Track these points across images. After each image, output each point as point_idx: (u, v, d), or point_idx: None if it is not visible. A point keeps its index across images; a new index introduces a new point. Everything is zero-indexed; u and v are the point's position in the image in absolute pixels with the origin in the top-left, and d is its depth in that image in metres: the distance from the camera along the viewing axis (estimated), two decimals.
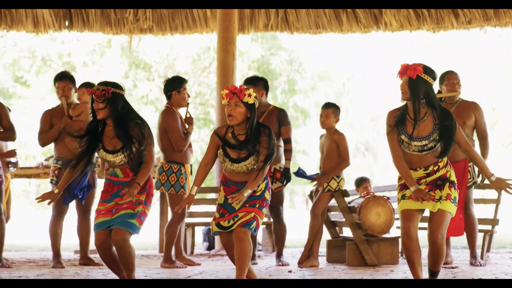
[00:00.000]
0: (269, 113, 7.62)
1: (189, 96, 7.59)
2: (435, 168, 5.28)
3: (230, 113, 5.37)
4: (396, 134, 5.30)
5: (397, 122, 5.30)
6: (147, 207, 5.55)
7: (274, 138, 5.46)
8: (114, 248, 5.52)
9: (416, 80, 5.21)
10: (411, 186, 5.23)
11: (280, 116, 7.62)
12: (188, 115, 7.57)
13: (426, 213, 5.45)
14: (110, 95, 5.46)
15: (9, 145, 8.08)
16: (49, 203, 5.74)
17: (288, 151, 7.56)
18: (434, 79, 5.28)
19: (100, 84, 5.53)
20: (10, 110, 7.80)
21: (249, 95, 5.36)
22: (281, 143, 7.62)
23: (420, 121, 5.25)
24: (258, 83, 7.65)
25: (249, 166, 5.40)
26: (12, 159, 8.00)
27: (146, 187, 5.56)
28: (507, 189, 5.31)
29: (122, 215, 5.45)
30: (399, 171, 5.32)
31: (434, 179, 5.28)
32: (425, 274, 5.47)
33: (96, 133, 5.54)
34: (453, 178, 5.31)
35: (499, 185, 5.33)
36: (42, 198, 5.65)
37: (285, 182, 7.57)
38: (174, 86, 7.50)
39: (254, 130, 5.40)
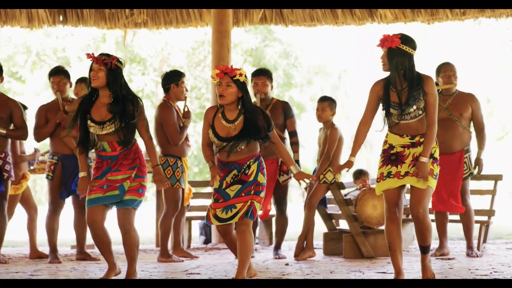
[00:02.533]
0: (274, 106, 7.63)
1: (187, 90, 7.61)
2: (421, 140, 5.33)
3: (222, 93, 5.38)
4: (376, 103, 5.42)
5: (383, 93, 5.36)
6: (142, 179, 5.57)
7: (268, 113, 5.51)
8: (105, 228, 5.56)
9: (394, 51, 5.29)
10: (351, 156, 5.56)
11: (285, 109, 7.64)
12: (186, 109, 7.58)
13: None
14: (114, 66, 5.47)
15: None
16: (85, 191, 5.70)
17: (295, 144, 7.60)
18: (414, 48, 5.34)
19: (103, 54, 5.54)
20: (26, 107, 7.86)
21: (240, 74, 5.38)
22: (286, 136, 7.65)
23: (403, 90, 5.30)
24: (269, 76, 7.68)
25: (237, 147, 5.41)
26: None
27: (137, 163, 5.56)
28: (425, 176, 5.33)
29: (117, 195, 5.47)
30: (357, 132, 5.49)
31: (419, 153, 5.30)
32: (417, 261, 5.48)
33: (88, 105, 5.55)
34: (437, 155, 5.37)
35: (422, 168, 5.25)
36: (82, 191, 5.64)
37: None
38: (173, 79, 7.51)
39: (250, 110, 5.41)
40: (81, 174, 5.66)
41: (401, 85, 5.31)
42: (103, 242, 5.57)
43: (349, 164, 5.59)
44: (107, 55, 5.54)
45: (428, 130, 5.31)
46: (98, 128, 5.49)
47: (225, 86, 5.39)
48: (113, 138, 5.51)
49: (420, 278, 5.51)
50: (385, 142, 5.43)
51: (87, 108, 5.55)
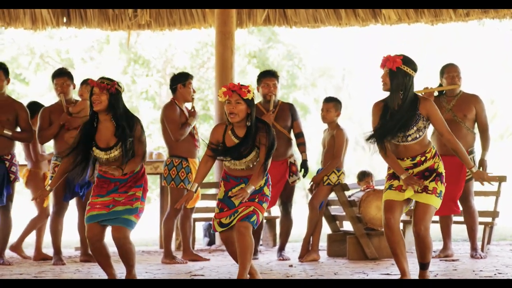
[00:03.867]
0: (281, 108, 7.69)
1: (194, 92, 7.67)
2: (422, 159, 5.31)
3: (232, 111, 5.35)
4: None
5: (382, 113, 5.34)
6: (143, 203, 5.56)
7: (273, 133, 5.44)
8: (104, 242, 5.53)
9: (395, 72, 5.26)
10: (402, 174, 5.27)
11: (292, 110, 7.74)
12: (192, 110, 7.63)
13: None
14: (114, 90, 5.47)
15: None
16: (41, 201, 5.73)
17: (302, 144, 7.69)
18: (415, 70, 5.32)
19: (104, 78, 5.53)
20: (43, 105, 7.88)
21: (249, 91, 5.36)
22: (291, 137, 7.70)
23: (398, 112, 5.27)
24: (278, 78, 7.75)
25: (249, 163, 5.39)
26: None
27: (142, 183, 5.56)
28: (489, 180, 5.35)
29: (120, 211, 5.44)
30: (387, 162, 5.37)
31: (421, 170, 5.30)
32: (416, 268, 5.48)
33: (91, 131, 5.53)
34: (441, 170, 5.34)
35: (481, 176, 5.34)
36: (36, 197, 5.65)
37: (305, 174, 7.63)
38: (179, 80, 7.61)
39: (254, 126, 5.39)
40: (47, 187, 5.61)
41: (398, 106, 5.30)
42: (102, 255, 5.54)
43: (408, 179, 5.28)
44: (109, 79, 5.52)
45: (453, 145, 5.29)
46: (104, 154, 5.48)
47: (235, 103, 5.34)
48: (121, 162, 5.50)
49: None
50: (389, 168, 5.42)
51: (91, 134, 5.52)
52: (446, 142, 5.33)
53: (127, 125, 5.48)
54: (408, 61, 5.31)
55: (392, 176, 5.37)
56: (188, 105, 7.73)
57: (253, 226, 5.36)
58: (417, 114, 5.26)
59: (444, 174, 5.35)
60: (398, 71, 5.26)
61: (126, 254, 5.50)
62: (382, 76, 5.33)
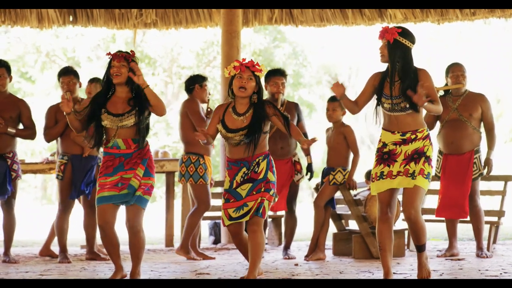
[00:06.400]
0: (288, 107, 7.69)
1: (209, 94, 7.71)
2: (412, 137, 5.33)
3: (244, 85, 5.41)
4: (370, 92, 5.44)
5: (378, 84, 5.41)
6: (152, 179, 5.55)
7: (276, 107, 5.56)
8: (115, 231, 5.54)
9: (393, 44, 5.34)
10: (339, 97, 5.47)
11: (297, 110, 7.72)
12: (209, 110, 7.68)
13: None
14: (134, 59, 5.51)
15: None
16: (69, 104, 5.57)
17: None
18: (413, 42, 5.37)
19: (121, 51, 5.56)
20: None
21: (261, 70, 5.44)
22: None
23: (396, 82, 5.34)
24: (286, 77, 7.77)
25: (244, 135, 5.42)
26: None
27: (147, 158, 5.54)
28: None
29: (128, 194, 5.44)
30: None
31: (411, 151, 5.31)
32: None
33: (103, 101, 5.54)
34: (430, 153, 5.35)
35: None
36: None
37: (310, 178, 7.64)
38: (197, 80, 7.70)
39: (261, 104, 5.47)
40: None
41: (398, 77, 5.34)
42: (112, 244, 5.55)
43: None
44: (126, 52, 5.55)
45: (434, 104, 5.30)
46: (116, 120, 5.47)
47: (247, 79, 5.43)
48: (129, 134, 5.49)
49: (434, 278, 5.50)
50: (379, 140, 5.47)
51: (101, 102, 5.53)
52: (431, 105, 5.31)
53: (145, 98, 5.49)
54: (405, 33, 5.37)
55: (381, 158, 5.37)
56: (203, 106, 7.77)
57: (261, 217, 5.39)
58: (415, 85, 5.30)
59: (432, 158, 5.36)
60: (396, 43, 5.33)
61: (138, 244, 5.51)
62: (380, 47, 5.42)
